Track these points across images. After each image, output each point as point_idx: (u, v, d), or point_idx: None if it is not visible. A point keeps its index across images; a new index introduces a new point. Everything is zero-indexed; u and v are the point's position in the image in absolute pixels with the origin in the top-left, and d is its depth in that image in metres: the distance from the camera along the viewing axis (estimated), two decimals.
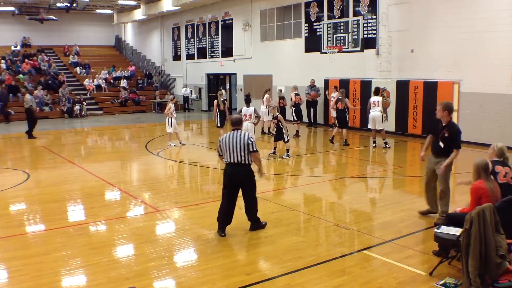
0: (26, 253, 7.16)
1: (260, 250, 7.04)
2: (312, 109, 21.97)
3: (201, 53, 30.69)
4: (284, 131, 14.08)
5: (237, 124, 7.70)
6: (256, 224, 7.88)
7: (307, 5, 22.32)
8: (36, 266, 6.61)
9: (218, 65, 28.94)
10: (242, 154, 7.41)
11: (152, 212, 9.27)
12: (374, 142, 16.21)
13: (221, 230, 7.64)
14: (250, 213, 7.86)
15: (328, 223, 8.29)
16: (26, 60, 32.27)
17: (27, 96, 20.79)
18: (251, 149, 7.42)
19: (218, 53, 29.07)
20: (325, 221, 8.40)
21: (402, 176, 12.24)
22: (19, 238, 7.96)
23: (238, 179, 7.60)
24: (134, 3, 32.78)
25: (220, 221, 7.69)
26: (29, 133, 19.72)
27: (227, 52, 28.24)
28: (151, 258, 6.80)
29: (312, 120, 22.11)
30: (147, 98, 31.90)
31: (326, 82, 21.30)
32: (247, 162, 7.48)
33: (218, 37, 28.89)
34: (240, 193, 7.81)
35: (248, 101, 15.04)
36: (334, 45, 19.42)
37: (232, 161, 7.48)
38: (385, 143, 15.89)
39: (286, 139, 14.21)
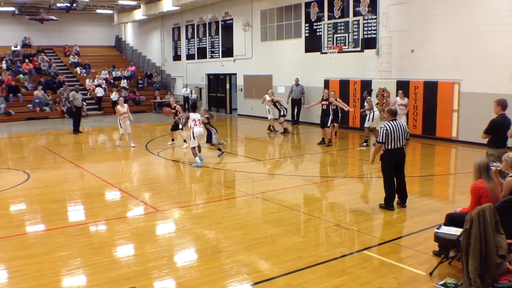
0: (26, 253, 7.16)
1: (260, 250, 7.04)
2: (296, 108, 22.65)
3: (201, 53, 30.70)
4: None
5: (394, 115, 8.95)
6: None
7: (307, 5, 22.32)
8: (36, 266, 6.61)
9: (218, 65, 28.94)
10: (403, 140, 8.83)
11: (152, 212, 9.27)
12: (366, 141, 16.45)
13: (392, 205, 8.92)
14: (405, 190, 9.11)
15: (328, 223, 8.29)
16: (27, 60, 32.27)
17: (73, 92, 20.91)
18: (408, 137, 9.00)
19: (218, 53, 29.08)
20: (325, 221, 8.41)
21: None
22: (19, 238, 7.96)
23: (402, 160, 8.99)
24: (134, 3, 32.78)
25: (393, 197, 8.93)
26: (76, 129, 20.45)
27: (227, 52, 28.24)
28: (151, 258, 6.80)
29: (296, 118, 22.83)
30: (147, 98, 31.90)
31: (326, 82, 21.30)
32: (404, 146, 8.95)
33: (218, 37, 28.90)
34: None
35: (194, 107, 15.91)
36: (334, 45, 19.43)
37: (399, 145, 8.75)
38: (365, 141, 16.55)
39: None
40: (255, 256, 6.83)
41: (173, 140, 17.13)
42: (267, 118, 20.41)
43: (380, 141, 8.72)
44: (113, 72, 33.84)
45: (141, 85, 33.53)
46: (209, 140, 14.33)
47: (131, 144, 16.79)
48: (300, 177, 12.19)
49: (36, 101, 27.74)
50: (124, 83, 32.62)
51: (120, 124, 16.77)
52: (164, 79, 34.74)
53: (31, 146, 18.36)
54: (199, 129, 13.55)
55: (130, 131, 16.86)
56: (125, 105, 17.01)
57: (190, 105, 15.44)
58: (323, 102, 16.45)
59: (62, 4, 30.42)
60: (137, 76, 34.65)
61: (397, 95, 17.01)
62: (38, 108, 27.50)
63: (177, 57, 33.56)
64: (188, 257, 7.02)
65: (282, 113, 19.22)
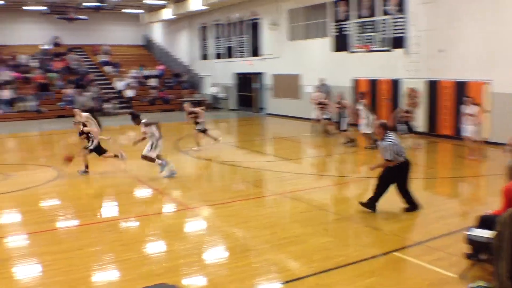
0: (58, 248, 7.31)
1: (288, 249, 7.04)
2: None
3: (229, 52, 30.78)
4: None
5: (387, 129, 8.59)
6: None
7: (335, 4, 22.19)
8: (68, 261, 6.74)
9: (246, 64, 28.99)
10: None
11: (181, 209, 9.37)
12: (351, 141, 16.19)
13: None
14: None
15: (357, 224, 8.25)
16: (57, 58, 32.83)
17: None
18: None
19: (246, 52, 29.12)
20: (354, 222, 8.37)
21: (433, 178, 12.11)
22: (51, 233, 8.14)
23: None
24: (163, 2, 33.04)
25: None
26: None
27: (255, 51, 28.26)
28: (181, 255, 6.88)
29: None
30: (176, 97, 32.13)
31: (354, 82, 21.17)
32: None
33: (246, 36, 28.93)
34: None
35: (134, 118, 12.45)
36: (362, 44, 19.29)
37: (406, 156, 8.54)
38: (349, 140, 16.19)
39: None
40: (284, 255, 6.84)
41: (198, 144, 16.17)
42: (303, 118, 19.87)
43: (391, 159, 8.35)
44: (142, 71, 34.17)
45: (170, 84, 33.79)
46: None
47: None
48: (328, 176, 12.16)
49: (66, 99, 28.20)
50: (153, 82, 32.92)
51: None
52: (192, 78, 34.94)
53: (62, 144, 18.68)
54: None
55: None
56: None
57: (131, 117, 12.61)
58: (337, 105, 16.45)
59: (90, 4, 30.80)
60: (166, 75, 34.94)
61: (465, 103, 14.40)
62: (68, 106, 27.94)
63: (205, 56, 33.72)
64: (217, 255, 7.07)
65: (327, 116, 18.56)
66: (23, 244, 7.72)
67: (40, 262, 6.82)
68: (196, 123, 15.94)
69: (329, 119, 18.44)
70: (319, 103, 18.55)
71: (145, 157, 11.96)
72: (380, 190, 8.58)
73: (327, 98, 19.05)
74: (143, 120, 11.82)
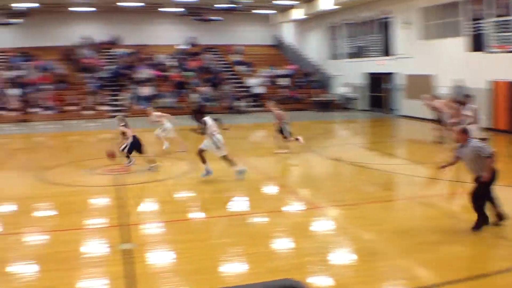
0: (189, 237, 7.74)
1: (418, 256, 6.77)
2: None
3: (360, 52, 30.32)
4: None
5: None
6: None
7: (469, 2, 20.85)
8: (198, 250, 7.11)
9: (378, 64, 28.37)
10: None
11: (310, 208, 9.42)
12: None
13: None
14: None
15: (490, 235, 7.65)
16: (193, 58, 34.53)
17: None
18: None
19: (378, 51, 28.50)
20: (488, 232, 7.76)
21: None
22: (184, 223, 8.65)
23: None
24: (293, 2, 33.38)
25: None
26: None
27: (387, 50, 27.55)
28: (307, 253, 6.92)
29: None
30: (306, 97, 32.31)
31: (492, 84, 19.75)
32: None
33: (377, 36, 28.32)
34: None
35: (197, 113, 12.00)
36: (501, 44, 17.92)
37: None
38: None
39: None
40: (412, 262, 6.60)
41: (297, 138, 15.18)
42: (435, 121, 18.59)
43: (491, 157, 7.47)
44: (273, 70, 34.79)
45: (301, 84, 34.05)
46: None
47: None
48: (463, 183, 11.53)
49: (202, 96, 29.55)
50: (284, 81, 33.41)
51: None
52: (323, 78, 34.91)
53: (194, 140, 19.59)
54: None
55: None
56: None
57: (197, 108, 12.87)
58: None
59: (223, 6, 31.92)
60: (297, 74, 35.26)
61: None
62: (205, 104, 29.27)
63: (335, 56, 33.53)
64: (343, 256, 7.00)
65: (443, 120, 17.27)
66: (158, 232, 8.26)
67: (173, 250, 7.25)
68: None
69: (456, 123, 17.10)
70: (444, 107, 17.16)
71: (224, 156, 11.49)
72: (482, 208, 7.68)
73: (457, 102, 17.59)
74: (206, 117, 11.46)
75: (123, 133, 12.53)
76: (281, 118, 14.86)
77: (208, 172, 11.34)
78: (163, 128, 15.72)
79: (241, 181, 11.38)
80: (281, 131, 14.92)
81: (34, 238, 7.94)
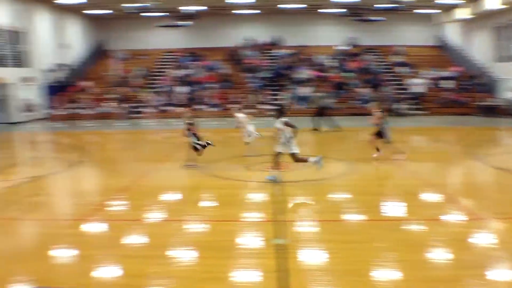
0: (343, 238, 7.76)
1: None
2: None
3: None
4: None
5: None
6: None
7: None
8: (351, 252, 7.13)
9: None
10: None
11: (470, 219, 8.94)
12: None
13: None
14: None
15: None
16: (352, 58, 34.30)
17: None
18: None
19: None
20: None
21: None
22: (338, 223, 8.72)
23: None
24: (458, 1, 31.62)
25: None
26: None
27: None
28: (464, 266, 6.59)
29: None
30: (471, 101, 30.41)
31: None
32: None
33: None
34: None
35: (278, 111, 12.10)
36: None
37: None
38: None
39: None
40: None
41: (378, 149, 14.38)
42: None
43: None
44: (436, 72, 33.29)
45: (466, 87, 32.14)
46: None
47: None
48: None
49: (361, 98, 29.25)
50: (447, 84, 31.82)
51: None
52: (489, 81, 32.57)
53: (353, 140, 19.48)
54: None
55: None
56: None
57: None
58: None
59: (383, 6, 31.15)
60: (462, 77, 33.33)
61: None
62: (360, 105, 28.91)
63: (502, 58, 31.06)
64: (503, 273, 6.52)
65: None
66: (312, 230, 8.41)
67: (325, 249, 7.35)
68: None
69: None
70: None
71: (297, 158, 11.47)
72: None
73: None
74: (284, 119, 11.29)
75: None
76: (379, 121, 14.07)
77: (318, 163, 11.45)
78: (247, 132, 15.20)
79: (398, 186, 11.14)
80: (380, 134, 14.10)
81: (194, 226, 8.62)
